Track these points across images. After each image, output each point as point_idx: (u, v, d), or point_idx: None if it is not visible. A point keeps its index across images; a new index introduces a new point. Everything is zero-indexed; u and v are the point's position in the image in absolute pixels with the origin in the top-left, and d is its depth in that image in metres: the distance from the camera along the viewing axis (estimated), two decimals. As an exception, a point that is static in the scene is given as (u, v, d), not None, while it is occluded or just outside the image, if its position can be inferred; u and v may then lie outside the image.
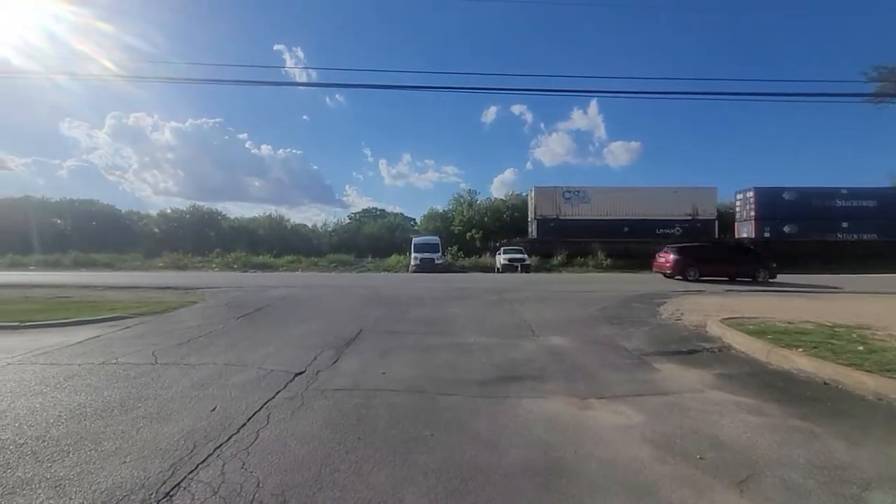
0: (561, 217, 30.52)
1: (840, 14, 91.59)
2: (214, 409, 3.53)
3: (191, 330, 6.91)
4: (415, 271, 23.91)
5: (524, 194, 42.00)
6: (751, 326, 6.48)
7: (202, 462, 2.64)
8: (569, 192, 30.89)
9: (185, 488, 2.35)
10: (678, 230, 30.11)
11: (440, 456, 2.75)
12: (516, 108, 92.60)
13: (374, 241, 38.28)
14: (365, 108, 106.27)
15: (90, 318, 7.72)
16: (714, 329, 6.77)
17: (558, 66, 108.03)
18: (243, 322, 7.75)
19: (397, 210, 58.93)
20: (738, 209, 31.88)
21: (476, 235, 36.09)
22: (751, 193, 30.22)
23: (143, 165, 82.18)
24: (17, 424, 3.20)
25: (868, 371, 4.18)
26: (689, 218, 30.55)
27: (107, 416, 3.38)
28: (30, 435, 3.01)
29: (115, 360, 5.03)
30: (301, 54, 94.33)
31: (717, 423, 3.32)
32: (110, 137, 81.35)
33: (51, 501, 2.24)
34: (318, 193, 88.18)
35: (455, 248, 31.75)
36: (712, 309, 8.90)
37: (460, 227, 38.29)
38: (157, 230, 38.22)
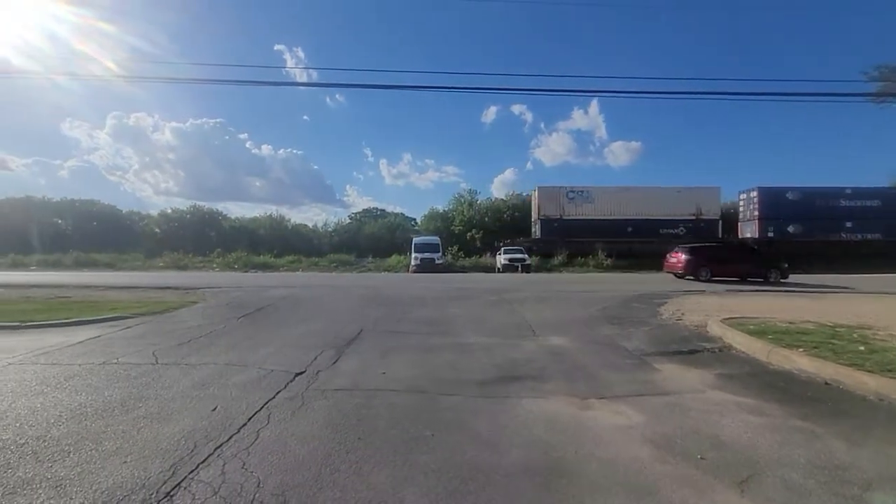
0: (565, 217, 30.54)
1: (840, 14, 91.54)
2: (215, 408, 3.53)
3: (191, 330, 6.92)
4: (415, 271, 23.93)
5: (524, 194, 42.07)
6: (751, 326, 6.48)
7: (203, 462, 2.64)
8: (572, 192, 30.90)
9: (185, 488, 2.35)
10: (682, 230, 30.11)
11: (441, 456, 2.75)
12: (516, 108, 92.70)
13: (375, 241, 38.31)
14: (365, 108, 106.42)
15: (91, 318, 7.73)
16: (715, 329, 6.77)
17: (558, 66, 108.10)
18: (244, 322, 7.75)
19: (398, 210, 59.08)
20: (741, 209, 31.84)
21: (476, 235, 36.09)
22: (754, 193, 30.18)
23: (144, 166, 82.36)
24: (17, 424, 3.20)
25: (869, 371, 4.17)
26: (693, 218, 30.54)
27: (107, 415, 3.39)
28: (31, 435, 3.02)
29: (115, 360, 5.04)
30: (301, 54, 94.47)
31: (718, 424, 3.32)
32: (111, 138, 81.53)
33: (51, 501, 2.24)
34: (319, 193, 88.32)
35: (455, 248, 31.77)
36: (713, 309, 8.89)
37: (461, 227, 38.29)
38: (157, 230, 38.28)
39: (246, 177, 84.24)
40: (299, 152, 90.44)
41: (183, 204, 76.40)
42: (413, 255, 25.09)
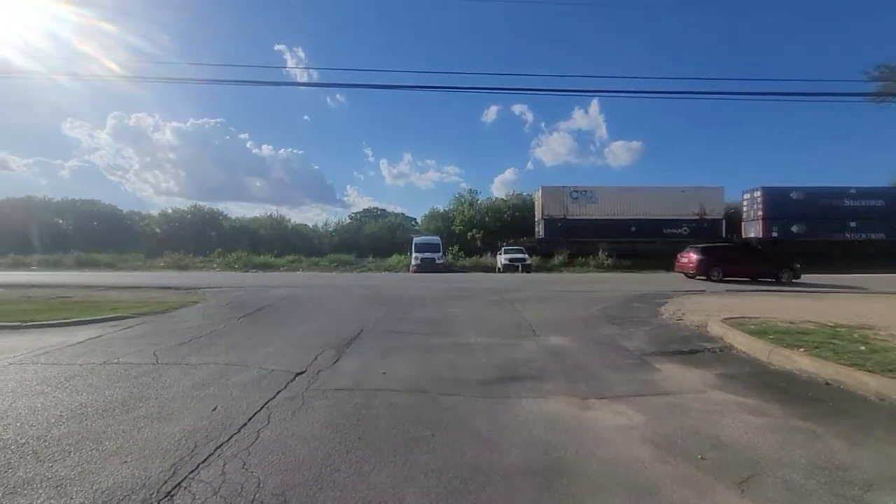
0: (568, 217, 30.53)
1: (840, 14, 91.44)
2: (215, 408, 3.53)
3: (192, 330, 6.92)
4: (416, 271, 23.93)
5: (525, 194, 42.06)
6: (752, 326, 6.47)
7: (203, 462, 2.64)
8: (576, 191, 30.88)
9: (185, 488, 2.36)
10: (685, 230, 30.09)
11: (441, 456, 2.75)
12: (517, 108, 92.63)
13: (375, 240, 38.31)
14: (366, 108, 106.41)
15: (91, 318, 7.74)
16: (715, 329, 6.76)
17: (559, 66, 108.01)
18: (244, 322, 7.76)
19: (398, 210, 59.09)
20: (745, 209, 31.77)
21: (477, 235, 36.08)
22: (758, 193, 30.14)
23: (145, 166, 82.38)
24: (18, 424, 3.20)
25: (870, 371, 4.17)
26: (697, 218, 30.51)
27: (108, 415, 3.39)
28: (31, 434, 3.02)
29: (116, 360, 5.04)
30: (302, 54, 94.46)
31: (719, 424, 3.32)
32: (112, 138, 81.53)
33: (52, 501, 2.24)
34: (319, 193, 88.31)
35: (456, 247, 31.76)
36: (713, 309, 8.89)
37: (461, 227, 38.29)
38: (158, 230, 38.31)
39: (246, 177, 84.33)
40: (300, 152, 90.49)
41: (183, 204, 76.50)
42: (413, 254, 25.10)
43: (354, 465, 2.63)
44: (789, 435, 3.11)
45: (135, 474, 2.49)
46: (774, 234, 28.98)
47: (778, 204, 29.49)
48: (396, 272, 25.07)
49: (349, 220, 47.42)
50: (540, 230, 31.48)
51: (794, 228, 29.21)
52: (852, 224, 29.29)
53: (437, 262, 24.71)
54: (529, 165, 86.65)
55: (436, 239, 27.66)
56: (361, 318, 8.18)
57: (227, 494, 2.29)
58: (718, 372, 4.75)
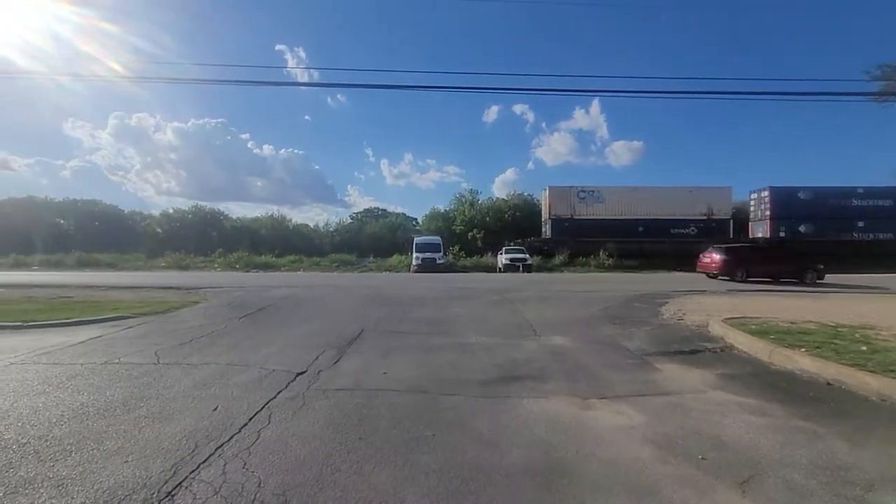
0: (575, 217, 30.54)
1: (840, 14, 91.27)
2: (216, 408, 3.54)
3: (193, 330, 6.93)
4: (416, 271, 23.93)
5: (526, 194, 42.13)
6: (753, 326, 6.46)
7: (204, 462, 2.64)
8: (583, 191, 30.88)
9: (186, 488, 2.36)
10: (693, 230, 30.09)
11: (442, 456, 2.75)
12: (518, 108, 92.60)
13: (376, 240, 38.33)
14: (366, 108, 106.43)
15: (93, 318, 7.75)
16: (716, 329, 6.75)
17: (559, 66, 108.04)
18: (245, 322, 7.76)
19: (399, 210, 58.97)
20: (752, 209, 31.72)
21: (478, 235, 36.10)
22: (766, 193, 30.08)
23: (146, 166, 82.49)
24: (19, 424, 3.21)
25: (871, 371, 4.16)
26: (705, 218, 30.45)
27: (109, 415, 3.39)
28: (32, 434, 3.03)
29: (117, 360, 5.05)
30: (303, 54, 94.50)
31: (720, 424, 3.31)
32: (113, 138, 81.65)
33: (53, 500, 2.24)
34: (320, 193, 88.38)
35: (457, 247, 31.77)
36: (714, 309, 8.88)
37: (462, 227, 38.29)
38: (159, 230, 38.36)
39: (247, 177, 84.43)
40: (301, 152, 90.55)
41: (185, 204, 76.55)
42: (414, 254, 25.10)
43: (355, 464, 2.63)
44: (790, 435, 3.11)
45: (136, 474, 2.50)
46: (782, 234, 28.93)
47: (786, 204, 29.42)
48: (397, 272, 25.07)
49: (350, 221, 47.50)
50: (547, 230, 31.50)
51: (802, 228, 29.13)
52: (860, 224, 29.22)
53: (438, 262, 24.71)
54: (530, 165, 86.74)
55: (436, 239, 27.66)
56: (362, 318, 8.18)
57: (227, 494, 2.30)
58: (719, 372, 4.74)
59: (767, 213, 29.80)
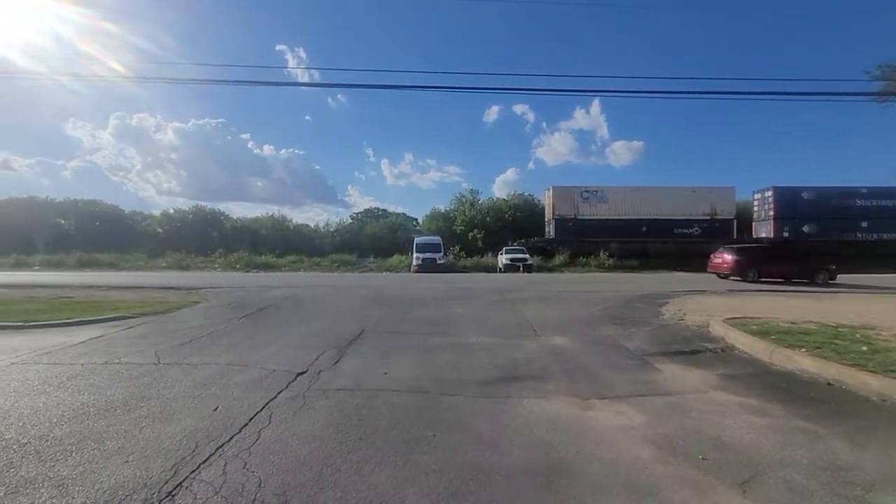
0: (579, 217, 30.57)
1: (840, 14, 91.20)
2: (216, 408, 3.54)
3: (193, 330, 6.93)
4: (417, 271, 23.94)
5: (527, 194, 42.16)
6: (754, 326, 6.46)
7: (204, 462, 2.64)
8: (587, 192, 30.91)
9: (187, 488, 2.36)
10: (696, 230, 30.12)
11: (442, 456, 2.75)
12: (518, 108, 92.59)
13: (377, 241, 38.35)
14: (367, 109, 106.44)
15: (93, 318, 7.75)
16: (717, 329, 6.75)
17: (559, 66, 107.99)
18: (245, 322, 7.77)
19: (399, 210, 58.91)
20: (755, 209, 31.71)
21: (478, 235, 36.12)
22: (769, 193, 30.07)
23: (147, 166, 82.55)
24: (20, 424, 3.21)
25: (872, 372, 4.16)
26: (708, 218, 30.46)
27: (109, 415, 3.40)
28: (33, 434, 3.03)
29: (117, 360, 5.05)
30: (303, 54, 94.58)
31: (720, 424, 3.31)
32: (114, 138, 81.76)
33: (54, 500, 2.24)
34: (321, 193, 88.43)
35: (457, 248, 31.79)
36: (715, 309, 8.87)
37: (462, 227, 38.31)
38: (160, 230, 38.42)
39: (248, 177, 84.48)
40: (301, 152, 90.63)
41: (185, 204, 76.84)
42: (415, 255, 25.11)
43: (355, 465, 2.63)
44: (791, 435, 3.10)
45: (136, 474, 2.50)
46: (786, 234, 28.91)
47: (789, 204, 29.41)
48: (397, 272, 25.08)
49: (350, 221, 47.53)
50: (550, 230, 31.52)
51: (806, 228, 29.11)
52: (864, 224, 29.20)
53: (439, 262, 24.72)
54: (531, 165, 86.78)
55: (437, 239, 27.67)
56: (362, 318, 8.18)
57: (228, 494, 2.30)
58: (720, 372, 4.74)
59: (771, 213, 29.77)
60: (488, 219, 38.77)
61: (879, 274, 21.08)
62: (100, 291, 12.87)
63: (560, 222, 30.66)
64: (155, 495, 2.29)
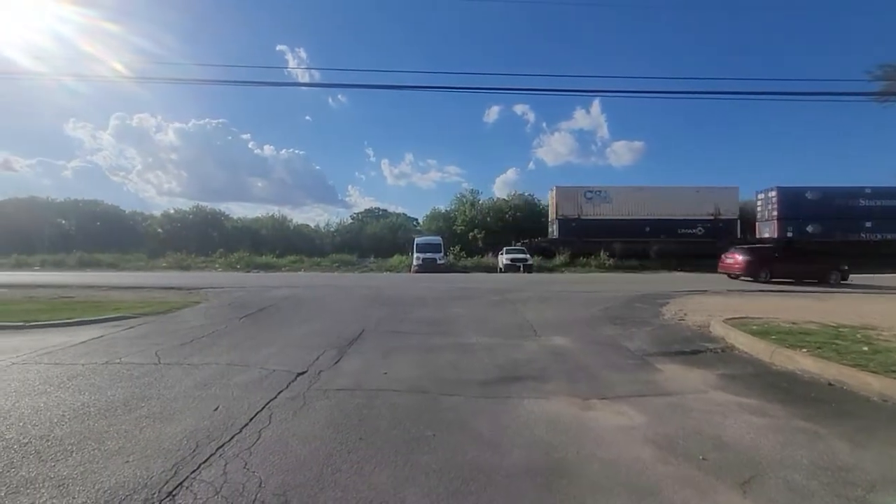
0: (583, 217, 30.54)
1: (840, 14, 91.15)
2: (217, 408, 3.54)
3: (194, 330, 6.94)
4: (417, 271, 23.94)
5: (527, 194, 42.18)
6: (754, 327, 6.45)
7: (204, 462, 2.65)
8: (590, 192, 30.89)
9: (187, 488, 2.36)
10: (700, 230, 30.09)
11: (442, 456, 2.75)
12: (518, 108, 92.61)
13: (377, 241, 38.36)
14: (367, 109, 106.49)
15: (94, 318, 7.76)
16: (717, 329, 6.74)
17: (559, 66, 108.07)
18: (246, 322, 7.77)
19: (400, 210, 58.96)
20: (759, 209, 31.62)
21: (478, 235, 36.12)
22: (773, 193, 30.00)
23: (147, 166, 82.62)
24: (21, 424, 3.22)
25: (873, 372, 4.15)
26: (712, 218, 30.41)
27: (110, 415, 3.40)
28: (34, 434, 3.03)
29: (118, 360, 5.06)
30: (303, 55, 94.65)
31: (721, 424, 3.31)
32: (114, 138, 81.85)
33: (54, 500, 2.25)
34: (321, 194, 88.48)
35: (457, 248, 31.79)
36: (716, 309, 8.86)
37: (463, 227, 38.31)
38: (160, 230, 38.42)
39: (248, 177, 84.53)
40: (301, 153, 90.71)
41: (185, 204, 77.04)
42: (415, 255, 25.12)
43: (356, 465, 2.63)
44: (791, 435, 3.10)
45: (137, 474, 2.50)
46: (790, 234, 28.85)
47: (793, 204, 29.33)
48: (398, 272, 25.08)
49: (351, 221, 47.52)
50: (554, 230, 31.52)
51: (810, 228, 29.03)
52: (868, 224, 29.11)
53: (439, 262, 24.72)
54: (531, 165, 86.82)
55: (437, 239, 27.68)
56: (363, 318, 8.19)
57: (228, 494, 2.30)
58: (720, 372, 4.73)
59: (775, 213, 29.71)
60: (489, 219, 38.76)
61: (885, 274, 21.02)
62: (100, 291, 12.88)
63: (564, 222, 30.66)
64: (155, 495, 2.29)
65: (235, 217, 43.05)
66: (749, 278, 16.97)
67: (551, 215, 32.49)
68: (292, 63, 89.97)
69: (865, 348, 5.09)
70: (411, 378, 4.44)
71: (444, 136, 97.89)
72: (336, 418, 3.35)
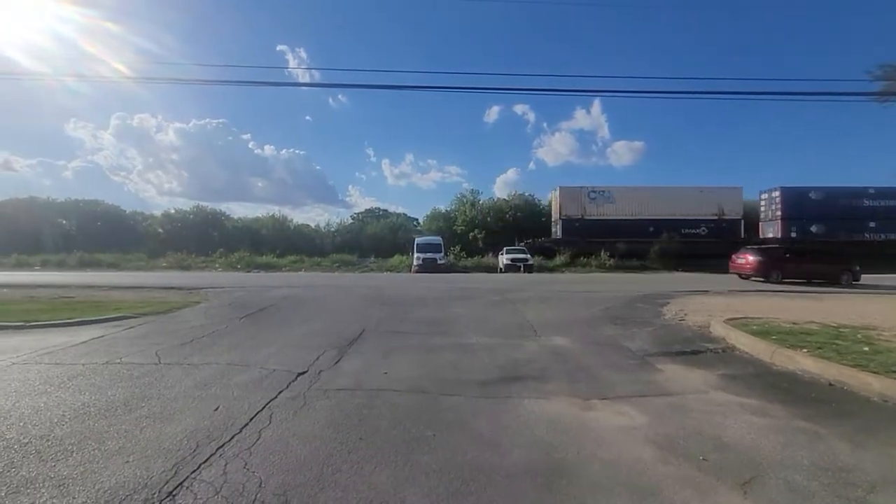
0: (586, 217, 30.56)
1: (840, 14, 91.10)
2: (217, 408, 3.54)
3: (194, 330, 6.94)
4: (417, 271, 23.94)
5: (527, 194, 42.19)
6: (755, 327, 6.45)
7: (205, 462, 2.65)
8: (594, 192, 30.91)
9: (187, 488, 2.36)
10: (704, 230, 30.11)
11: (442, 456, 2.75)
12: (519, 108, 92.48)
13: (377, 241, 38.37)
14: (368, 109, 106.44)
15: (94, 318, 7.76)
16: (718, 329, 6.74)
17: (559, 66, 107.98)
18: (246, 322, 7.77)
19: (400, 210, 58.97)
20: (762, 209, 31.65)
21: (479, 235, 36.13)
22: (776, 193, 30.00)
23: (148, 166, 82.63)
24: (21, 424, 3.22)
25: (873, 372, 4.15)
26: (716, 218, 30.42)
27: (110, 415, 3.40)
28: (34, 434, 3.03)
29: (118, 360, 5.06)
30: (304, 55, 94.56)
31: (721, 425, 3.30)
32: (115, 138, 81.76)
33: (54, 500, 2.25)
34: (322, 194, 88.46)
35: (458, 248, 31.79)
36: (716, 309, 8.86)
37: (463, 227, 38.32)
38: (161, 230, 38.45)
39: (249, 177, 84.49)
40: (302, 153, 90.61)
41: (186, 204, 77.03)
42: (415, 255, 25.12)
43: (356, 465, 2.63)
44: (792, 436, 3.10)
45: (137, 474, 2.50)
46: (793, 234, 28.82)
47: (797, 204, 29.33)
48: (398, 272, 25.08)
49: (351, 221, 47.55)
50: (557, 230, 31.54)
51: (814, 228, 29.00)
52: (871, 224, 29.12)
53: (439, 262, 24.73)
54: (531, 165, 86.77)
55: (437, 239, 27.69)
56: (363, 318, 8.19)
57: (228, 494, 2.30)
58: (721, 372, 4.73)
59: (778, 213, 29.70)
60: (489, 219, 38.76)
61: (892, 274, 20.97)
62: (101, 291, 12.89)
63: (567, 222, 30.66)
64: (155, 495, 2.29)
65: (236, 217, 43.15)
66: (760, 279, 16.88)
67: (554, 215, 32.48)
68: (293, 63, 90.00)
69: (866, 348, 5.08)
70: (411, 378, 4.44)
71: (445, 136, 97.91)
72: (336, 418, 3.35)
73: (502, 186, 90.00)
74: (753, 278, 17.14)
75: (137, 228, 40.58)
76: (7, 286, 14.12)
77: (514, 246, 27.65)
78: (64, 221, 39.58)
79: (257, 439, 2.96)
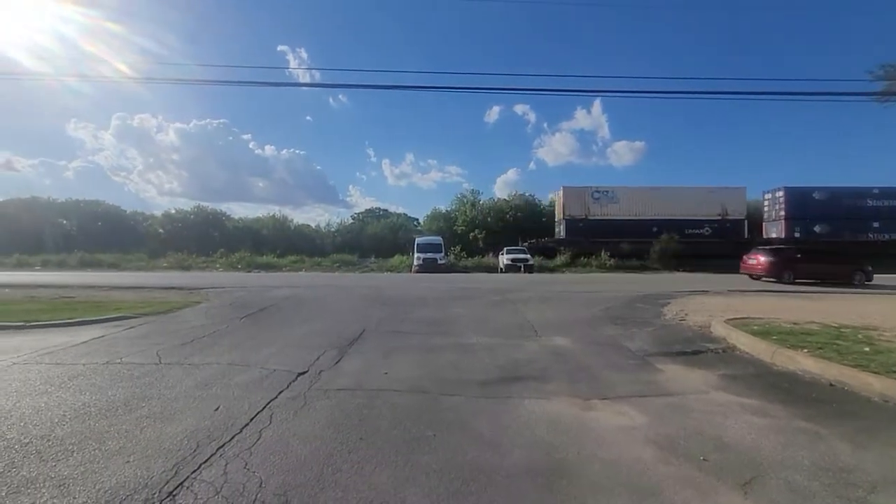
0: (590, 217, 30.57)
1: (840, 14, 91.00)
2: (217, 408, 3.54)
3: (195, 330, 6.94)
4: (418, 271, 23.94)
5: (528, 194, 42.26)
6: (755, 327, 6.44)
7: (205, 462, 2.65)
8: (597, 192, 30.93)
9: (188, 488, 2.36)
10: (707, 230, 30.12)
11: (442, 456, 2.75)
12: (519, 108, 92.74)
13: (378, 241, 38.42)
14: (368, 109, 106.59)
15: (95, 318, 7.77)
16: (718, 329, 6.73)
17: (559, 66, 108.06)
18: (247, 322, 7.77)
19: (400, 210, 59.08)
20: (766, 209, 31.64)
21: (479, 235, 36.17)
22: (780, 193, 30.01)
23: (148, 166, 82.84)
24: (22, 424, 3.22)
25: (874, 372, 4.14)
26: (719, 218, 30.44)
27: (111, 415, 3.40)
28: (35, 434, 3.03)
29: (119, 360, 5.06)
30: (304, 55, 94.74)
31: (722, 425, 3.30)
32: (115, 138, 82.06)
33: (55, 500, 2.25)
34: (322, 194, 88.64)
35: (458, 248, 31.79)
36: (717, 309, 8.85)
37: (463, 228, 38.36)
38: (161, 231, 38.52)
39: (249, 177, 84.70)
40: (302, 153, 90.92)
41: (186, 204, 77.13)
42: (416, 255, 25.12)
43: (356, 465, 2.63)
44: (792, 436, 3.09)
45: (137, 474, 2.50)
46: (797, 235, 28.77)
47: (800, 204, 29.32)
48: (398, 272, 25.08)
49: (352, 221, 47.66)
50: (561, 230, 31.53)
51: (817, 229, 28.98)
52: (875, 224, 29.09)
53: (440, 262, 24.73)
54: (532, 166, 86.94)
55: (438, 239, 27.70)
56: (364, 318, 8.19)
57: (228, 494, 2.30)
58: (721, 373, 4.73)
59: (782, 213, 29.69)
60: (489, 219, 38.79)
61: (893, 274, 20.93)
62: (101, 291, 12.89)
63: (571, 222, 30.65)
64: (156, 495, 2.29)
65: (236, 217, 43.26)
66: (772, 279, 16.75)
67: (558, 215, 32.45)
68: (293, 63, 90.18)
69: (867, 349, 5.07)
70: (412, 378, 4.43)
71: (445, 137, 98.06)
72: (337, 418, 3.35)
73: (503, 186, 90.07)
74: (765, 279, 17.01)
75: (138, 228, 40.67)
76: (8, 286, 14.14)
77: (516, 246, 27.64)
78: (65, 221, 39.68)
79: (258, 439, 2.96)
